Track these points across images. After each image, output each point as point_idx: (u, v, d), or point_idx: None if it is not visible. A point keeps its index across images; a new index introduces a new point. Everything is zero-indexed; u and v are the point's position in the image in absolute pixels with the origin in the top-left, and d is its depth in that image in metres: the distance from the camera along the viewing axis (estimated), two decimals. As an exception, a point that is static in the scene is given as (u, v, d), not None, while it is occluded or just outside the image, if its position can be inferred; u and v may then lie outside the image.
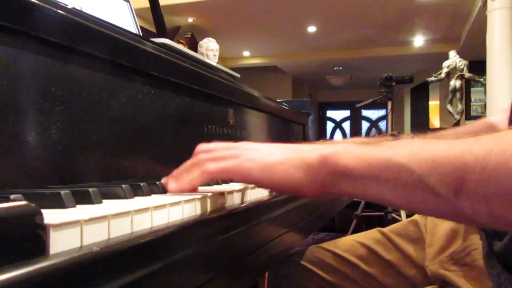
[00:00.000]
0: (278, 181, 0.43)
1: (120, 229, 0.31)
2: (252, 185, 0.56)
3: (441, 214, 0.39)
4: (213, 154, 0.47)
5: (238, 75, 1.16)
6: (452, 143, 0.36)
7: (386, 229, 0.82)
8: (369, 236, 0.82)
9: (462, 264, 0.64)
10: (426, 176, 0.36)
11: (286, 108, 1.34)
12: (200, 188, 0.52)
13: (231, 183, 0.61)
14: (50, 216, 0.26)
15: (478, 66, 5.50)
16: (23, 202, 0.24)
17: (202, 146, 0.50)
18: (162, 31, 1.36)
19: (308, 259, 0.83)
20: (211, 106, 0.84)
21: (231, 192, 0.50)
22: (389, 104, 3.44)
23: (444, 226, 0.72)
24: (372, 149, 0.41)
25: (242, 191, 0.53)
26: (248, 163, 0.44)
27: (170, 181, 0.47)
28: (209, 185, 0.58)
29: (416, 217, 0.82)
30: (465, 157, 0.34)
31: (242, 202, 0.52)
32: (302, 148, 0.45)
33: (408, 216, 2.63)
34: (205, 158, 0.47)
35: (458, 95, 4.98)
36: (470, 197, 0.34)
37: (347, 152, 0.41)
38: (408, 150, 0.38)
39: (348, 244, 0.83)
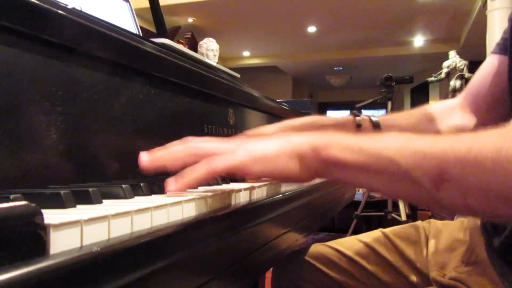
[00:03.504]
0: (278, 173, 0.46)
1: (120, 229, 0.31)
2: (251, 185, 0.56)
3: (423, 203, 0.43)
4: (212, 146, 0.48)
5: (238, 75, 1.16)
6: (434, 139, 0.40)
7: (387, 230, 0.83)
8: (371, 236, 0.83)
9: (470, 263, 0.64)
10: (411, 169, 0.39)
11: (286, 108, 1.34)
12: (200, 188, 0.52)
13: (231, 183, 0.61)
14: (50, 216, 0.26)
15: (478, 66, 5.48)
16: (23, 202, 0.24)
17: (193, 138, 0.51)
18: (162, 31, 1.36)
19: (311, 255, 0.84)
20: (211, 106, 0.84)
21: (230, 192, 0.50)
22: (389, 104, 3.44)
23: (448, 233, 0.73)
24: (361, 140, 0.44)
25: (235, 192, 0.53)
26: (249, 160, 0.46)
27: (169, 181, 0.47)
28: (208, 184, 0.58)
29: (418, 222, 0.84)
30: (447, 153, 0.38)
31: (242, 202, 0.52)
32: (296, 139, 0.48)
33: (408, 216, 2.63)
34: (207, 149, 0.48)
35: (458, 95, 4.98)
36: (449, 190, 0.38)
37: (337, 144, 0.45)
38: (395, 145, 0.42)
39: (351, 242, 0.84)
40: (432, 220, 0.82)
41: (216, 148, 0.48)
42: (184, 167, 0.47)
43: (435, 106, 0.82)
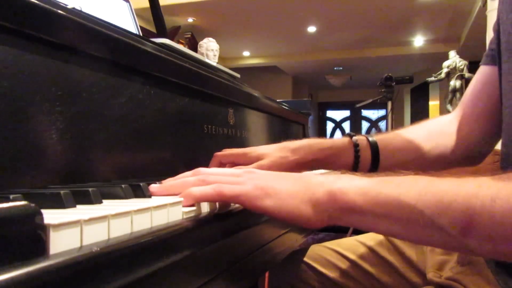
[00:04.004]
0: (287, 214, 0.44)
1: (120, 229, 0.31)
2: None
3: (451, 249, 0.44)
4: (224, 178, 0.46)
5: (238, 75, 1.16)
6: (458, 184, 0.40)
7: None
8: (372, 238, 0.83)
9: (465, 263, 0.65)
10: (436, 217, 0.39)
11: (286, 108, 1.34)
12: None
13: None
14: (50, 216, 0.26)
15: (478, 66, 5.50)
16: (23, 202, 0.24)
17: (204, 169, 0.50)
18: (162, 31, 1.36)
19: (310, 257, 0.84)
20: (211, 106, 0.84)
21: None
22: (389, 104, 3.44)
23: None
24: (379, 185, 0.43)
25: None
26: (259, 193, 0.44)
27: (175, 190, 0.45)
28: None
29: None
30: (472, 201, 0.38)
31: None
32: (311, 180, 0.46)
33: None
34: (217, 179, 0.46)
35: (458, 95, 4.98)
36: (478, 237, 0.38)
37: (355, 188, 0.43)
38: (416, 190, 0.41)
39: (350, 243, 0.84)
40: None
41: (226, 179, 0.46)
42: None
43: (433, 122, 0.81)
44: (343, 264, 0.81)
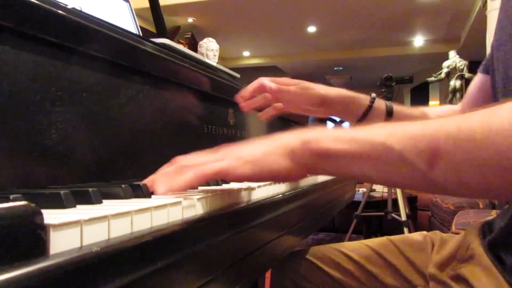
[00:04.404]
0: (269, 172, 0.46)
1: (120, 229, 0.31)
2: (250, 185, 0.56)
3: (417, 185, 0.43)
4: (202, 159, 0.48)
5: (238, 75, 1.16)
6: (424, 122, 0.41)
7: (393, 237, 0.84)
8: (377, 241, 0.84)
9: (466, 259, 0.65)
10: (404, 151, 0.40)
11: (286, 108, 1.33)
12: (200, 188, 0.52)
13: (231, 183, 0.61)
14: (50, 216, 0.26)
15: (478, 66, 5.49)
16: (23, 202, 0.24)
17: (181, 157, 0.51)
18: (162, 31, 1.36)
19: (314, 255, 0.84)
20: (211, 106, 0.84)
21: (230, 192, 0.50)
22: (389, 104, 3.43)
23: (453, 242, 0.73)
24: (351, 132, 0.45)
25: (236, 192, 0.53)
26: (238, 162, 0.46)
27: (158, 183, 0.46)
28: (208, 184, 0.58)
29: (423, 232, 0.85)
30: (438, 133, 0.39)
31: (242, 202, 0.52)
32: (285, 136, 0.48)
33: (407, 216, 2.63)
34: (195, 162, 0.47)
35: (458, 95, 4.98)
36: (443, 167, 0.39)
37: (328, 136, 0.45)
38: (386, 131, 0.42)
39: (354, 245, 0.84)
40: (438, 232, 0.83)
41: (205, 160, 0.47)
42: None
43: (434, 109, 0.86)
44: (347, 264, 0.81)
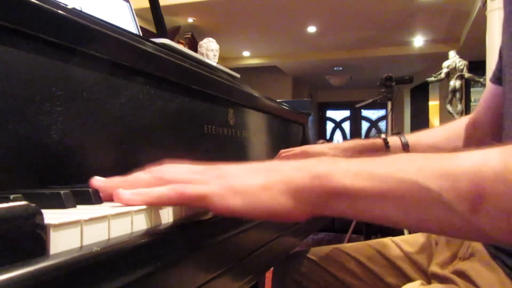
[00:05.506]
0: (263, 211, 0.38)
1: (120, 229, 0.31)
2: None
3: (456, 232, 0.37)
4: (184, 175, 0.40)
5: (238, 75, 1.16)
6: (459, 156, 0.35)
7: (396, 238, 0.84)
8: (379, 241, 0.84)
9: (467, 256, 0.65)
10: (442, 191, 0.33)
11: (286, 108, 1.34)
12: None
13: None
14: (50, 216, 0.26)
15: (478, 66, 5.50)
16: (23, 202, 0.24)
17: (167, 166, 0.42)
18: (162, 31, 1.36)
19: (316, 255, 0.85)
20: (211, 106, 0.84)
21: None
22: (389, 104, 3.43)
23: (455, 243, 0.73)
24: (369, 164, 0.38)
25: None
26: (226, 192, 0.38)
27: (124, 190, 0.38)
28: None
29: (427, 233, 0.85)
30: (482, 169, 0.33)
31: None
32: (285, 167, 0.40)
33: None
34: (175, 177, 0.40)
35: (458, 95, 4.98)
36: (490, 210, 0.32)
37: (342, 170, 0.37)
38: (415, 166, 0.35)
39: (357, 245, 0.85)
40: None
41: (187, 177, 0.39)
42: None
43: (454, 125, 0.86)
44: (349, 263, 0.81)
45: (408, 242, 0.82)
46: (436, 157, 0.36)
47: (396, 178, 0.35)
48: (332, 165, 0.38)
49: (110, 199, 0.38)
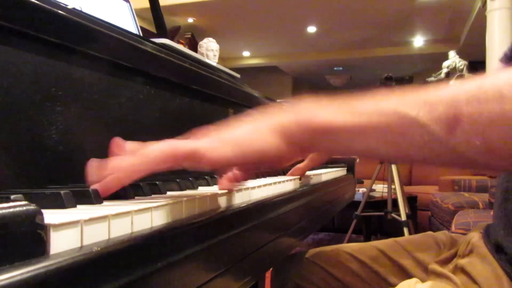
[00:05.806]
0: (254, 152, 0.39)
1: (121, 229, 0.31)
2: (250, 186, 0.56)
3: (433, 155, 0.37)
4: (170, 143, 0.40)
5: (238, 75, 1.16)
6: (438, 88, 0.36)
7: (400, 239, 0.84)
8: (383, 242, 0.84)
9: (467, 254, 0.65)
10: (419, 116, 0.35)
11: (286, 108, 1.33)
12: (200, 188, 0.52)
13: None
14: (50, 216, 0.26)
15: (478, 66, 5.51)
16: (24, 202, 0.24)
17: (147, 146, 0.41)
18: (162, 31, 1.36)
19: (314, 255, 0.84)
20: (211, 106, 0.84)
21: (229, 193, 0.50)
22: (389, 104, 3.43)
23: (460, 243, 0.73)
24: (353, 102, 0.39)
25: (237, 192, 0.53)
26: (217, 144, 0.39)
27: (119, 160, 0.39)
28: (208, 185, 0.58)
29: (430, 232, 0.85)
30: (457, 94, 0.35)
31: (242, 203, 0.52)
32: (272, 113, 0.41)
33: (407, 216, 2.63)
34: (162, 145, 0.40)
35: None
36: (465, 130, 0.34)
37: (326, 109, 0.39)
38: (394, 98, 0.37)
39: (359, 246, 0.84)
40: (446, 232, 0.83)
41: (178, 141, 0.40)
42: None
43: None
44: (351, 264, 0.81)
45: (412, 242, 0.82)
46: (415, 90, 0.37)
47: (376, 110, 0.37)
48: (315, 105, 0.40)
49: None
